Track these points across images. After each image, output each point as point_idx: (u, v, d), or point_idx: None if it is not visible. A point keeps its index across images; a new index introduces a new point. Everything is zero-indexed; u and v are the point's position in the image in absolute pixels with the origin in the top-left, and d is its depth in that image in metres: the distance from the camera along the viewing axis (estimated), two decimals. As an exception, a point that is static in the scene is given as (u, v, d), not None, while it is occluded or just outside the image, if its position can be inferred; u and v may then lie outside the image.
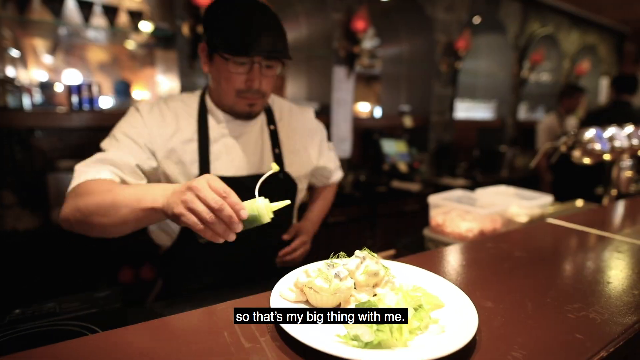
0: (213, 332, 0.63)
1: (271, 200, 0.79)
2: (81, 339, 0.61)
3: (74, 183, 1.05)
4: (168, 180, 1.19)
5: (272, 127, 1.31)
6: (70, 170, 2.31)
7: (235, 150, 1.24)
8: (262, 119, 1.30)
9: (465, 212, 1.53)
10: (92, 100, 2.46)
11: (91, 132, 2.59)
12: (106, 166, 1.07)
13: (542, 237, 1.23)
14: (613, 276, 0.92)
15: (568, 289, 0.84)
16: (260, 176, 1.26)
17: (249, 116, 1.23)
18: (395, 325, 0.57)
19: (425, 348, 0.55)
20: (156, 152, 1.16)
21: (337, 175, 1.59)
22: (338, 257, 0.75)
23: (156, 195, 0.83)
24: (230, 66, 1.11)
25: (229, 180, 1.18)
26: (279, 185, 1.28)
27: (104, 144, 1.15)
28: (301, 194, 1.43)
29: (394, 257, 1.01)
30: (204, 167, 1.18)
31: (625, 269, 0.97)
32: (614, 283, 0.88)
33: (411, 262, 0.88)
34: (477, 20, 4.33)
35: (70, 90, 2.41)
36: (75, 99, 2.42)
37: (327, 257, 0.73)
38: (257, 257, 1.31)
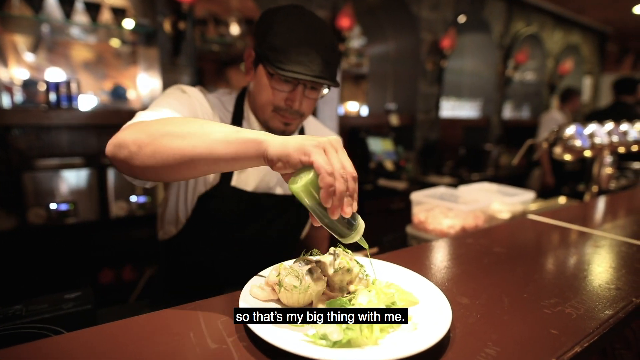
0: (179, 333, 0.60)
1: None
2: (39, 341, 0.58)
3: (132, 121, 0.85)
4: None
5: None
6: (48, 169, 2.26)
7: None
8: None
9: (447, 209, 1.52)
10: (70, 98, 2.41)
11: (71, 131, 2.53)
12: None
13: (522, 233, 1.22)
14: (591, 271, 0.92)
15: (546, 284, 0.83)
16: (276, 196, 1.22)
17: (282, 134, 1.13)
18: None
19: (396, 346, 0.54)
20: None
21: None
22: (311, 254, 0.73)
23: (259, 133, 0.67)
24: (274, 82, 1.04)
25: (248, 196, 1.15)
26: (291, 204, 1.23)
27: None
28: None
29: (376, 255, 0.99)
30: (227, 176, 1.13)
31: (603, 263, 0.97)
32: (592, 278, 0.87)
33: (390, 259, 0.86)
34: (462, 19, 4.35)
35: (48, 87, 2.35)
36: (53, 96, 2.36)
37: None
38: (258, 261, 1.26)
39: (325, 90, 1.10)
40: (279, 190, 1.22)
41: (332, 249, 0.72)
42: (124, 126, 0.81)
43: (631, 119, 2.37)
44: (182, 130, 0.71)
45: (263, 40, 1.02)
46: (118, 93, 3.00)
